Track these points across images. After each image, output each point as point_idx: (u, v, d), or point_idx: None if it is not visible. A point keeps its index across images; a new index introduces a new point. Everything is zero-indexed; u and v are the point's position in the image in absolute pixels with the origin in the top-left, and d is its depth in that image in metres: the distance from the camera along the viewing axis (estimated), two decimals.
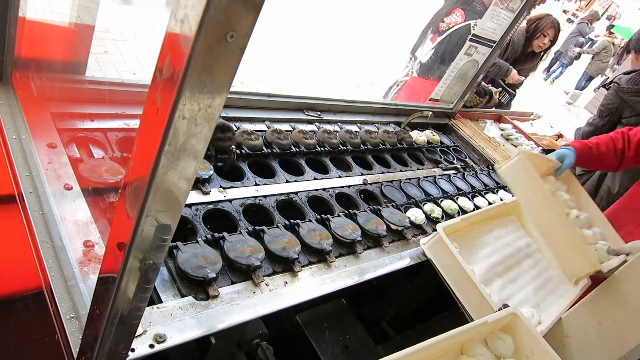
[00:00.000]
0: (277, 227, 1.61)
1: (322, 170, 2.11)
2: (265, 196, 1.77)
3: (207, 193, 1.64)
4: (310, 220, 1.72)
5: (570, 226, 1.72)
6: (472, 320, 1.62)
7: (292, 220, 1.67)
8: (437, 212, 2.16)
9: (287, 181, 1.91)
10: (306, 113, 2.39)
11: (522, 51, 4.05)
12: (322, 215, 1.77)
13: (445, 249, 1.75)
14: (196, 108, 0.58)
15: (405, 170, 2.46)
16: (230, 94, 2.11)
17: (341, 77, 6.84)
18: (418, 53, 3.72)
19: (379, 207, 2.00)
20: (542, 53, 4.16)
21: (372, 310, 2.31)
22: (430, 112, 2.77)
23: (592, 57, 13.13)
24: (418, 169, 2.54)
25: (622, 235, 2.30)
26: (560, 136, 4.33)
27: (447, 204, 2.28)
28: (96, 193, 1.39)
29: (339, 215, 1.82)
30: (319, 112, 2.44)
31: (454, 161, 2.81)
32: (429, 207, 2.18)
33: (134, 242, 0.73)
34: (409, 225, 1.98)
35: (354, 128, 2.48)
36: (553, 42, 4.01)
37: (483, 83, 3.73)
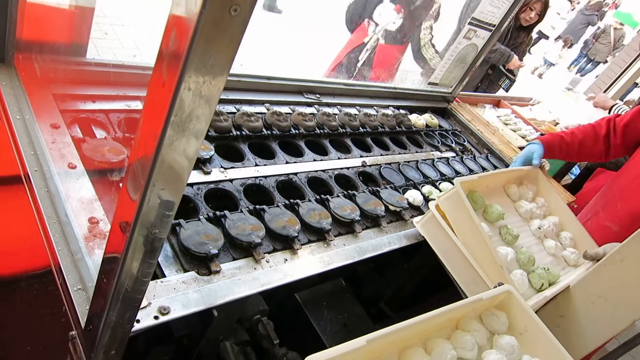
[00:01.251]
0: (277, 206, 1.65)
1: (322, 152, 2.14)
2: (265, 176, 1.80)
3: (208, 173, 1.66)
4: (309, 200, 1.75)
5: (500, 268, 1.70)
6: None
7: (292, 200, 1.70)
8: (435, 194, 2.19)
9: (287, 162, 1.93)
10: (305, 96, 2.41)
11: (514, 24, 4.06)
12: (322, 196, 1.80)
13: (438, 226, 1.79)
14: (201, 80, 0.61)
15: (404, 153, 2.48)
16: (230, 76, 2.12)
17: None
18: (377, 18, 3.75)
19: (378, 188, 2.03)
20: (532, 28, 4.17)
21: (371, 290, 2.35)
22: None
23: (595, 39, 13.19)
24: (417, 152, 2.56)
25: (591, 217, 2.34)
26: (557, 123, 4.34)
27: (445, 186, 2.31)
28: (100, 171, 1.42)
29: (338, 196, 1.85)
30: (318, 95, 2.46)
31: (453, 145, 2.83)
32: (427, 189, 2.21)
33: (140, 214, 0.75)
34: (407, 206, 2.02)
35: (353, 111, 2.50)
36: (541, 16, 4.01)
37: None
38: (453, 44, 2.93)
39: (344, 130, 2.31)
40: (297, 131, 2.11)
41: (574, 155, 2.38)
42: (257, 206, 1.60)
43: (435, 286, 2.35)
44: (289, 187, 1.85)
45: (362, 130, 2.40)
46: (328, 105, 2.47)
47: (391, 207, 1.95)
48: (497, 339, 1.40)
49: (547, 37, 14.12)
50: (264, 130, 1.99)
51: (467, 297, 1.71)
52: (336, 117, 2.34)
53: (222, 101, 2.05)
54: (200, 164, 1.67)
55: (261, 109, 2.14)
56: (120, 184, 1.37)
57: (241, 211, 1.55)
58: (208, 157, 1.70)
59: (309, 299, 1.97)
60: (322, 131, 2.21)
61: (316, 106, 2.38)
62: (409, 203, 2.04)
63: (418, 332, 1.29)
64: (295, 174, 1.90)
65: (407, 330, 1.21)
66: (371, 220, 1.86)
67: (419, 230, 1.88)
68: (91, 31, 1.89)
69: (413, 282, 2.32)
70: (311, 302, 1.97)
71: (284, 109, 2.20)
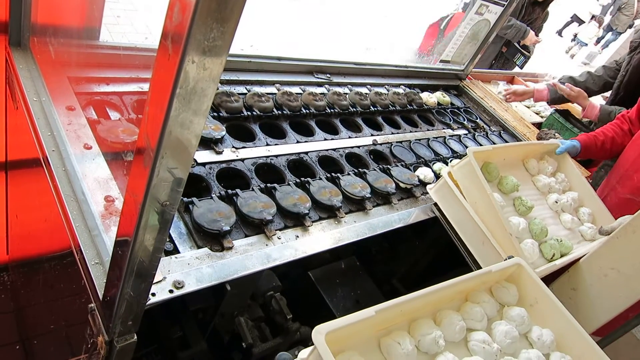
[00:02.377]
0: (288, 184, 1.67)
1: (332, 131, 2.15)
2: (276, 156, 1.82)
3: (220, 153, 1.69)
4: (320, 179, 1.77)
5: (510, 236, 1.73)
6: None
7: (302, 179, 1.73)
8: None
9: (298, 142, 1.95)
10: (316, 76, 2.42)
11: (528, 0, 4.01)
12: (332, 174, 1.82)
13: (450, 192, 1.81)
14: (204, 54, 0.62)
15: (415, 131, 2.48)
16: (240, 57, 2.14)
17: (351, 40, 6.76)
18: None
19: (389, 166, 2.04)
20: (547, 3, 4.11)
21: (383, 268, 2.38)
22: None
23: (618, 9, 12.89)
24: (428, 130, 2.56)
25: (609, 193, 2.36)
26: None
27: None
28: (114, 152, 1.45)
29: (348, 174, 1.87)
30: (328, 75, 2.47)
31: (465, 122, 2.82)
32: (438, 166, 2.22)
33: (150, 186, 0.78)
34: (418, 183, 2.02)
35: (363, 90, 2.50)
36: None
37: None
38: (465, 20, 2.89)
39: (354, 109, 2.31)
40: (307, 111, 2.12)
41: (608, 151, 2.43)
42: (268, 184, 1.62)
43: (447, 264, 2.37)
44: (300, 166, 1.88)
45: (372, 109, 2.40)
46: (339, 84, 2.47)
47: (402, 185, 1.96)
48: (506, 311, 1.42)
49: (582, 22, 13.77)
50: (274, 110, 2.01)
51: (479, 265, 1.73)
52: (347, 96, 2.34)
53: (233, 82, 2.07)
54: (212, 144, 1.70)
55: (272, 89, 2.15)
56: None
57: (253, 189, 1.57)
58: (220, 137, 1.72)
59: (322, 277, 2.01)
60: (332, 110, 2.22)
61: (327, 86, 2.39)
62: (419, 180, 2.05)
63: (427, 304, 1.31)
64: (306, 153, 1.92)
65: (417, 302, 1.23)
66: (382, 198, 1.88)
67: (432, 196, 1.91)
68: (104, 16, 1.91)
69: (425, 260, 2.34)
70: (324, 280, 2.00)
71: (295, 89, 2.22)
